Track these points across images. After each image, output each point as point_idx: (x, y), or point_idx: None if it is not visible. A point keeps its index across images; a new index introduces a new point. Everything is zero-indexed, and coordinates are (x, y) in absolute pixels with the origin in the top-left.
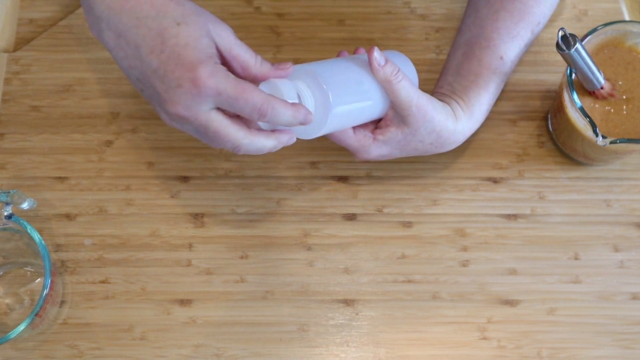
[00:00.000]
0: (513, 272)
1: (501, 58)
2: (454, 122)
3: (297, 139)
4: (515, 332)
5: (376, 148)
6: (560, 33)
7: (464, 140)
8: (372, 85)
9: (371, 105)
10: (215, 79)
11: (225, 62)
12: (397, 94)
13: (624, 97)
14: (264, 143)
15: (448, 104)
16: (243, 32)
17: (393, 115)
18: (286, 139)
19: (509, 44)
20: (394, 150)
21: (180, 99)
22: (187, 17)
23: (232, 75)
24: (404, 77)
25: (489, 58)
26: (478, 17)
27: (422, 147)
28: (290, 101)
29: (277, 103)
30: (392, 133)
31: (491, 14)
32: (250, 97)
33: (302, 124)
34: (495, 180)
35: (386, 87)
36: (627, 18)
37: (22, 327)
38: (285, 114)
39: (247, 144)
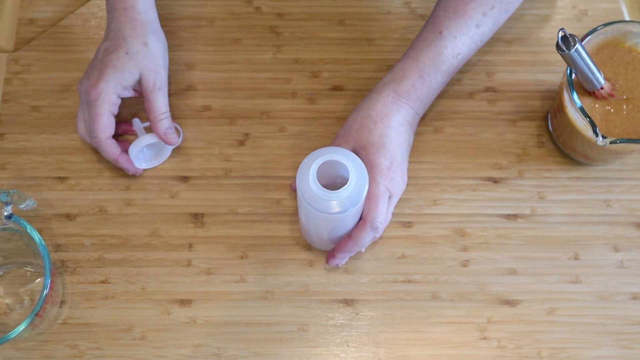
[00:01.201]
0: (513, 272)
1: (440, 33)
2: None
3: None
4: (515, 332)
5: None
6: (560, 33)
7: (395, 117)
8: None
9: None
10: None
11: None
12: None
13: (624, 97)
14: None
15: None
16: (243, 32)
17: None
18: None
19: (453, 22)
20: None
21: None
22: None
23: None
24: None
25: (427, 33)
26: (436, 6)
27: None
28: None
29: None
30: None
31: None
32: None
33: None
34: (495, 180)
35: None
36: (627, 18)
37: (22, 327)
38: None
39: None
